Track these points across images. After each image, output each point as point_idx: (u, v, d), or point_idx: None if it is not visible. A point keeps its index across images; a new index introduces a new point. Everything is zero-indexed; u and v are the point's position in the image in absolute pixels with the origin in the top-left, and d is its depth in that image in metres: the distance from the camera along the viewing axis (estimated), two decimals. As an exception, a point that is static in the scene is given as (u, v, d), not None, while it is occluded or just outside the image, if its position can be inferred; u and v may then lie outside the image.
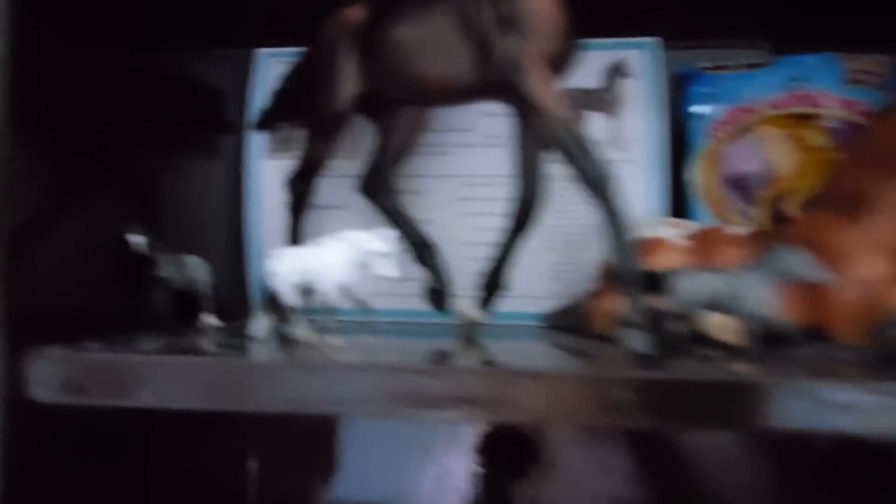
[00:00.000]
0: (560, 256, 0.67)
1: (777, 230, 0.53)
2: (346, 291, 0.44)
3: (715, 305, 0.40)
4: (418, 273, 0.59)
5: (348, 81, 0.55)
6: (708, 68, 0.68)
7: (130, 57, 0.53)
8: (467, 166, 0.68)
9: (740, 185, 0.66)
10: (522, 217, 0.53)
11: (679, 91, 0.69)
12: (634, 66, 0.68)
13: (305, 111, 0.59)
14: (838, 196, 0.50)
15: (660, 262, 0.55)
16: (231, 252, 0.69)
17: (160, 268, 0.49)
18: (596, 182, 0.43)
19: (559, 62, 0.48)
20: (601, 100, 0.68)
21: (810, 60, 0.66)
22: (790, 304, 0.50)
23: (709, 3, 0.69)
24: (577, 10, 0.48)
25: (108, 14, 0.49)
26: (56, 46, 0.44)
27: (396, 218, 0.60)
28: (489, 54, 0.47)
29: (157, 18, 0.57)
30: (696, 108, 0.67)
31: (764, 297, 0.39)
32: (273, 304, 0.46)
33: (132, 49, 0.53)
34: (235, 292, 0.69)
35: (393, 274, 0.43)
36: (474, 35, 0.48)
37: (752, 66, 0.67)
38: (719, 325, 0.45)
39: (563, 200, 0.67)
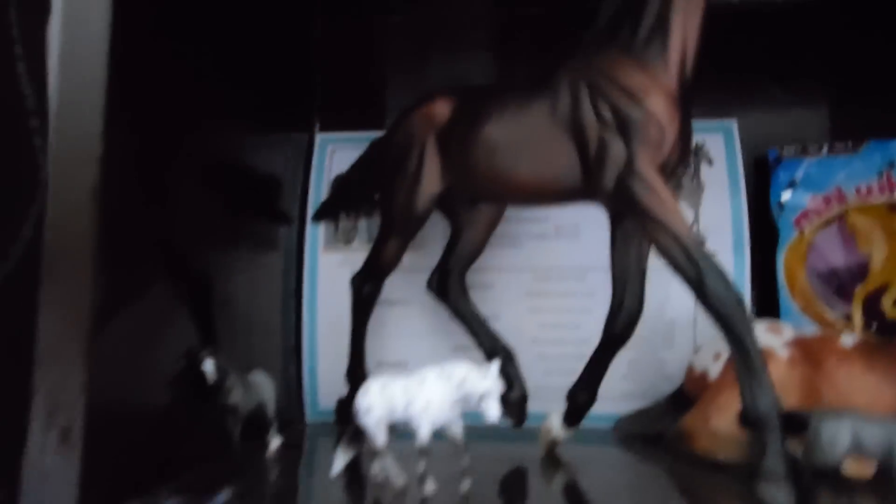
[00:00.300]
0: (637, 354, 0.62)
1: (889, 342, 0.49)
2: (442, 431, 0.39)
3: (862, 452, 0.36)
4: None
5: (431, 180, 0.51)
6: (792, 153, 0.64)
7: (190, 138, 0.49)
8: (538, 259, 0.64)
9: (830, 279, 0.61)
10: (621, 329, 0.49)
11: (762, 177, 0.65)
12: (714, 150, 0.65)
13: (379, 206, 0.56)
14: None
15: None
16: (285, 351, 0.64)
17: (230, 394, 0.45)
18: (724, 306, 0.39)
19: (675, 167, 0.45)
20: (682, 187, 0.64)
21: (900, 146, 0.62)
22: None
23: (791, 82, 0.67)
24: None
25: (169, 96, 0.45)
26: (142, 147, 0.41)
27: (470, 322, 0.56)
28: (593, 156, 0.43)
29: (218, 98, 0.54)
30: (780, 196, 0.64)
31: None
32: (357, 438, 0.41)
33: (193, 129, 0.50)
34: (290, 394, 0.64)
35: (496, 416, 0.38)
36: (575, 137, 0.44)
37: (838, 151, 0.64)
38: (857, 468, 0.40)
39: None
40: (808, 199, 0.63)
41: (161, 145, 0.43)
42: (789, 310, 0.62)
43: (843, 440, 0.36)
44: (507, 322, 0.63)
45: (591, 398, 0.51)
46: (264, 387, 0.47)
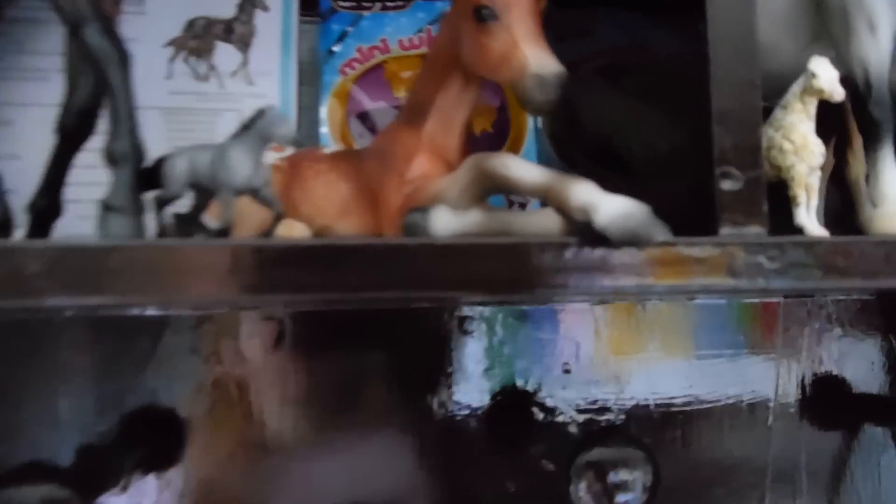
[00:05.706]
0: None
1: (362, 148, 0.52)
2: None
3: (198, 178, 0.36)
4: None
5: None
6: (346, 6, 0.66)
7: None
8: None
9: (367, 123, 0.64)
10: (74, 120, 0.46)
11: (315, 27, 0.66)
12: (270, -3, 0.65)
13: None
14: (410, 105, 0.49)
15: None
16: None
17: None
18: (96, 50, 0.38)
19: None
20: (231, 30, 0.64)
21: (444, 5, 0.66)
22: (363, 214, 0.48)
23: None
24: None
25: None
26: None
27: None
28: None
29: None
30: (329, 46, 0.65)
31: (246, 165, 0.35)
32: None
33: None
34: None
35: None
36: None
37: (389, 7, 0.67)
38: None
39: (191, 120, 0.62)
40: (354, 49, 0.65)
41: None
42: (331, 153, 0.63)
43: (181, 169, 0.36)
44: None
45: (52, 205, 0.48)
46: None
